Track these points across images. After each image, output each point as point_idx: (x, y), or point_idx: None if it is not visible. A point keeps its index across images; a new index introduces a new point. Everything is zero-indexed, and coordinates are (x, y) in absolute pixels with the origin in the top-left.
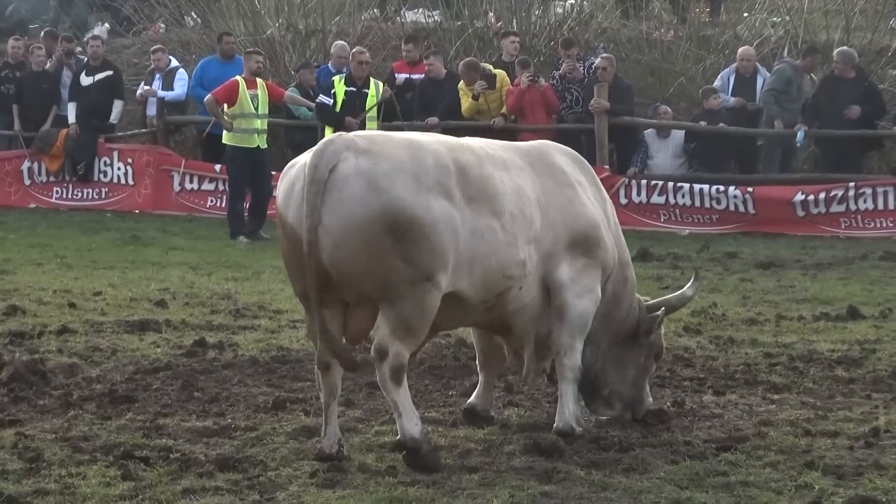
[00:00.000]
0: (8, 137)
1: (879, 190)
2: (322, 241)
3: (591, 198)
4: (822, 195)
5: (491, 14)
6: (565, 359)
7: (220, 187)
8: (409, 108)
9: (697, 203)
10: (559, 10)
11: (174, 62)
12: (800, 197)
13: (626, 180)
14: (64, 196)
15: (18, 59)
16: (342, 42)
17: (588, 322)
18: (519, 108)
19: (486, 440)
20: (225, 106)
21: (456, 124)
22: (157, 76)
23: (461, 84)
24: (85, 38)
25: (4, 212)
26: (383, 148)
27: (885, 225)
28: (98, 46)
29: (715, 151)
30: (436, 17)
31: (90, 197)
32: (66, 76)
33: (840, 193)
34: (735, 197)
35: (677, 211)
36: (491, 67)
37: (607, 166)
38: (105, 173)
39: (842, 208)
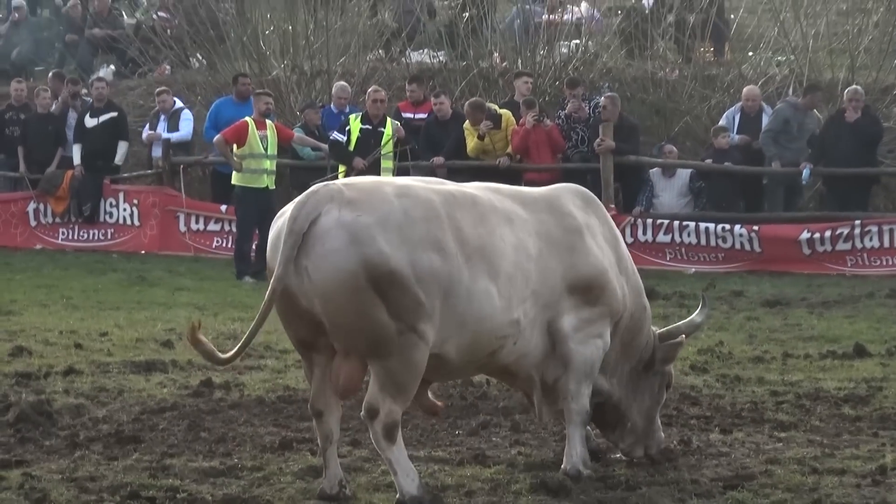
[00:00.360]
0: (13, 179)
1: (885, 228)
2: (311, 294)
3: (599, 242)
4: (827, 233)
5: (496, 54)
6: (572, 403)
7: (226, 228)
8: (412, 149)
9: (703, 241)
10: (564, 51)
11: (179, 103)
12: (805, 235)
13: (632, 219)
14: (70, 237)
15: (22, 101)
16: (342, 83)
17: (594, 367)
18: (524, 148)
19: (492, 479)
20: (234, 147)
21: (461, 164)
22: (163, 117)
23: (466, 124)
24: (90, 80)
25: (10, 253)
26: (370, 198)
27: (891, 263)
28: (102, 88)
29: (722, 190)
30: (441, 58)
31: (96, 238)
32: (72, 118)
33: (846, 231)
34: (741, 235)
35: (683, 249)
36: (496, 107)
37: (613, 205)
38: (111, 214)
39: (848, 246)
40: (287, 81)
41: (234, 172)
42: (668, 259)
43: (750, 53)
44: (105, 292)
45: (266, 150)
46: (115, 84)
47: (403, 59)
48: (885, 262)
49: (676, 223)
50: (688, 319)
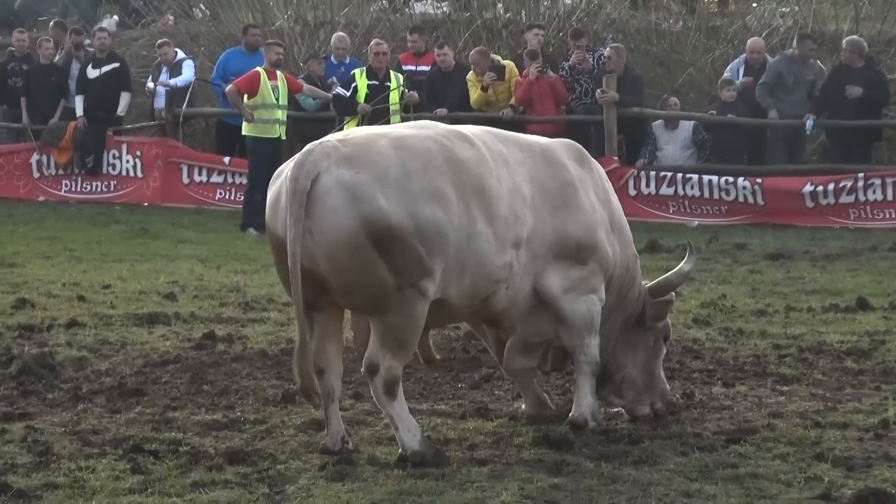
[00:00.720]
0: (16, 130)
1: (889, 181)
2: (314, 254)
3: (591, 199)
4: (831, 186)
5: (500, 5)
6: (581, 356)
7: (229, 180)
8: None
9: (706, 194)
10: (568, 2)
11: (181, 54)
12: (809, 188)
13: (635, 172)
14: (73, 189)
15: (24, 51)
16: (341, 33)
17: (594, 320)
18: (528, 99)
19: (495, 433)
20: (245, 97)
21: (465, 115)
22: (164, 69)
23: (470, 75)
24: (92, 31)
25: (14, 205)
26: (367, 153)
27: (894, 216)
28: (104, 38)
29: (725, 143)
30: (444, 9)
31: (99, 190)
32: (75, 69)
33: (849, 184)
34: (744, 188)
35: (686, 202)
36: (500, 59)
37: (616, 158)
38: (114, 166)
39: (851, 199)
40: (290, 32)
41: (244, 123)
42: (671, 212)
43: (754, 4)
44: (108, 244)
45: (277, 100)
46: (119, 35)
47: (407, 9)
48: (888, 215)
49: (680, 176)
50: (676, 269)
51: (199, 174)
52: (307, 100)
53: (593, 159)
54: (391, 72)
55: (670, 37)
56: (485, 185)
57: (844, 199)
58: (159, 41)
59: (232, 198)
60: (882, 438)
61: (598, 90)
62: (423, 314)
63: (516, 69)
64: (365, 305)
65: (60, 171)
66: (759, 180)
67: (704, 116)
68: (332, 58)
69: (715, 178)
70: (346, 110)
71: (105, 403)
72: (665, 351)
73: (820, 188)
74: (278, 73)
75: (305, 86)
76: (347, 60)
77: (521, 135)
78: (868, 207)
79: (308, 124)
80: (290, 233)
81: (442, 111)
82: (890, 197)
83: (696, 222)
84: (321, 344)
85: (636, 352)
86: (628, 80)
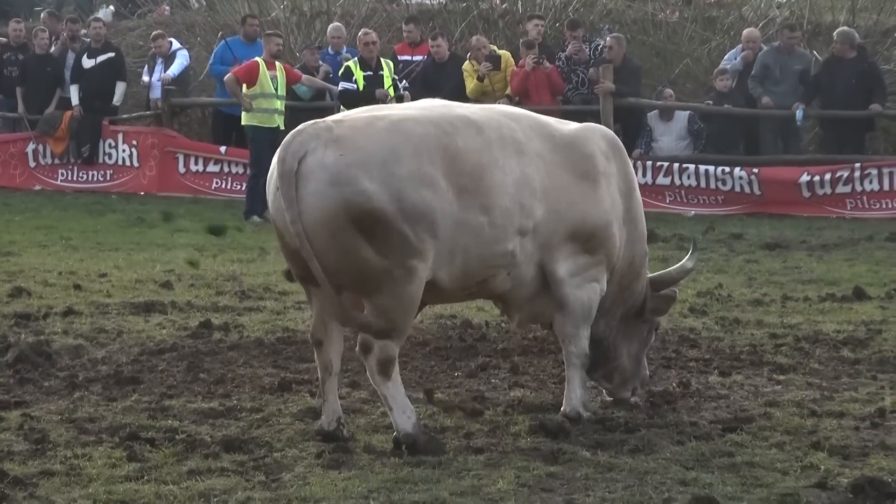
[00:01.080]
0: (12, 120)
1: (885, 171)
2: (296, 232)
3: (612, 192)
4: (827, 176)
5: None
6: (571, 346)
7: (226, 169)
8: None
9: (703, 184)
10: None
11: (175, 44)
12: (805, 178)
13: (632, 161)
14: (69, 178)
15: (21, 41)
16: (337, 23)
17: (591, 311)
18: (524, 89)
19: (491, 421)
20: (244, 87)
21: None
22: (159, 61)
23: (465, 65)
24: (88, 21)
25: (10, 194)
26: (358, 135)
27: (891, 206)
28: (100, 28)
29: (721, 133)
30: None
31: (95, 179)
32: (71, 58)
33: (846, 174)
34: (741, 178)
35: (683, 192)
36: (496, 49)
37: None
38: (110, 155)
39: (847, 189)
40: (286, 22)
41: (243, 113)
42: (667, 202)
43: None
44: (104, 233)
45: (276, 90)
46: (115, 25)
47: (403, 0)
48: (884, 205)
49: (676, 165)
50: (679, 265)
51: (196, 163)
52: (300, 87)
53: (624, 149)
54: (381, 60)
55: (667, 27)
56: (482, 175)
57: (841, 189)
58: (154, 33)
59: (228, 187)
60: (878, 427)
61: (592, 70)
62: (416, 294)
63: (512, 59)
64: (353, 286)
65: (57, 161)
66: (755, 170)
67: (700, 106)
68: (328, 48)
69: (711, 168)
70: (355, 104)
71: (101, 391)
72: (653, 340)
73: (817, 178)
74: (277, 63)
75: (304, 76)
76: (344, 50)
77: (549, 120)
78: (865, 197)
79: (304, 114)
80: (287, 215)
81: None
82: (886, 187)
83: (693, 212)
84: (321, 317)
85: (631, 342)
86: (626, 70)
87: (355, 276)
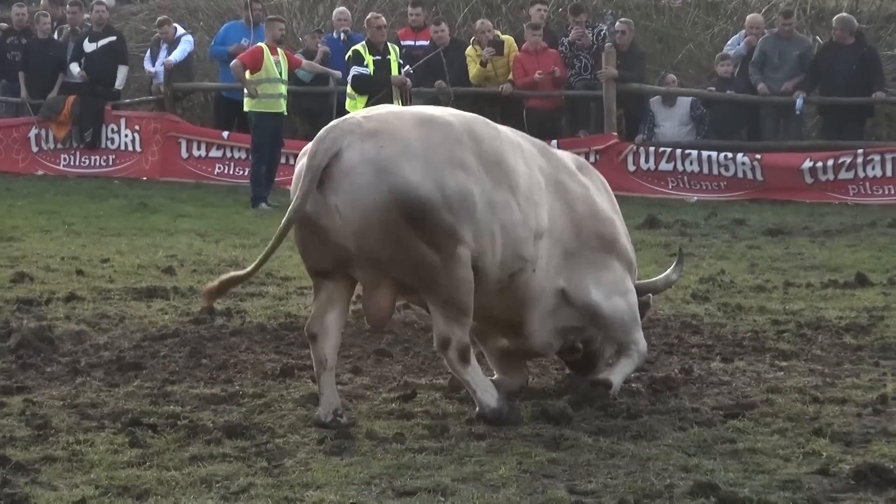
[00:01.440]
0: (15, 105)
1: (888, 157)
2: (345, 232)
3: (604, 203)
4: (830, 162)
5: None
6: (633, 352)
7: (228, 154)
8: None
9: (706, 170)
10: None
11: (180, 30)
12: (808, 164)
13: (634, 147)
14: (71, 163)
15: (24, 25)
16: (342, 7)
17: (636, 313)
18: (531, 83)
19: None
20: (248, 73)
21: (463, 90)
22: (164, 47)
23: (469, 50)
24: (90, 4)
25: (12, 179)
26: (390, 128)
27: (893, 192)
28: (102, 12)
29: (724, 118)
30: None
31: (98, 164)
32: (72, 42)
33: (848, 160)
34: (743, 164)
35: (685, 178)
36: (500, 33)
37: (615, 133)
38: (112, 140)
39: (850, 175)
40: (290, 7)
41: (246, 99)
42: (670, 187)
43: None
44: (106, 219)
45: (280, 74)
46: (117, 9)
47: None
48: (887, 192)
49: (679, 151)
50: (664, 275)
51: (199, 149)
52: (300, 70)
53: (595, 170)
54: (389, 45)
55: (669, 12)
56: (505, 158)
57: (844, 175)
58: (160, 19)
59: (231, 172)
60: (880, 414)
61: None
62: (470, 277)
63: (515, 44)
64: (411, 278)
65: (59, 146)
66: (758, 156)
67: (702, 92)
68: (333, 33)
69: (714, 154)
70: (368, 88)
71: (103, 377)
72: None
73: (819, 164)
74: (279, 48)
75: (304, 61)
76: (341, 33)
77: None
78: (867, 183)
79: (307, 98)
80: (296, 202)
81: (441, 83)
82: (889, 173)
83: (695, 198)
84: (321, 310)
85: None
86: (632, 55)
87: (411, 268)
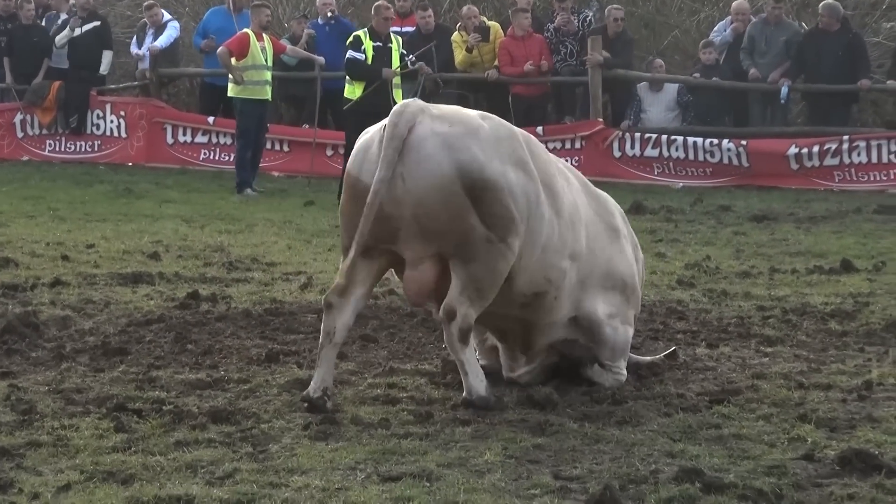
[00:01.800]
0: (0, 90)
1: (873, 143)
2: (404, 200)
3: (629, 250)
4: (815, 148)
5: None
6: (613, 376)
7: (214, 140)
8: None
9: (691, 156)
10: None
11: (167, 16)
12: (793, 150)
13: (620, 133)
14: (57, 149)
15: (10, 11)
16: None
17: (627, 349)
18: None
19: None
20: (234, 60)
21: (449, 76)
22: (150, 32)
23: (455, 36)
24: None
25: None
26: (459, 114)
27: (878, 178)
28: None
29: (709, 105)
30: None
31: (83, 150)
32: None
33: (834, 147)
34: (729, 150)
35: (671, 164)
36: (486, 19)
37: (601, 119)
38: (98, 126)
39: (836, 161)
40: None
41: (231, 85)
42: (655, 173)
43: None
44: (92, 204)
45: (266, 61)
46: None
47: None
48: (872, 178)
49: (664, 137)
50: (650, 359)
51: (184, 134)
52: (284, 55)
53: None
54: (392, 34)
55: None
56: (553, 180)
57: (829, 161)
58: (147, 3)
59: (217, 158)
60: (865, 400)
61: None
62: (506, 270)
63: (501, 31)
64: (452, 251)
65: (44, 131)
66: (743, 142)
67: (688, 79)
68: (318, 18)
69: (700, 140)
70: (361, 74)
71: (89, 362)
72: None
73: (805, 150)
74: (264, 35)
75: (289, 47)
76: (333, 20)
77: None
78: (853, 170)
79: (292, 84)
80: (379, 173)
81: (426, 69)
82: (874, 159)
83: (681, 184)
84: (346, 285)
85: None
86: (620, 42)
87: (458, 242)
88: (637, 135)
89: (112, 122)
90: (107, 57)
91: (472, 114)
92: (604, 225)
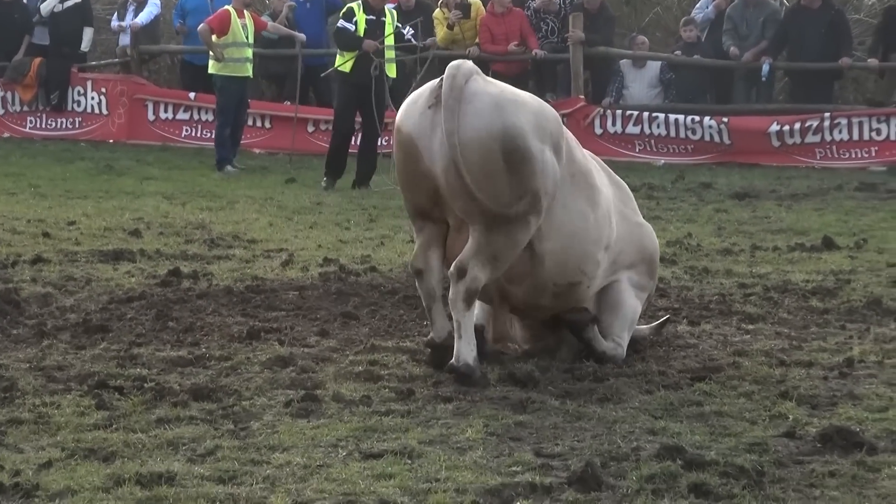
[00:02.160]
0: None
1: (854, 120)
2: (442, 152)
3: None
4: (797, 126)
5: None
6: (618, 350)
7: (195, 116)
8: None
9: (673, 133)
10: None
11: None
12: (775, 127)
13: (602, 110)
14: (38, 126)
15: None
16: None
17: (635, 320)
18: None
19: None
20: (214, 37)
21: (431, 54)
22: (131, 9)
23: (436, 13)
24: None
25: None
26: (507, 85)
27: (859, 155)
28: None
29: (691, 82)
30: None
31: (64, 127)
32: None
33: (815, 124)
34: (710, 127)
35: (652, 141)
36: None
37: (582, 96)
38: (79, 103)
39: (817, 139)
40: None
41: (212, 62)
42: (637, 150)
43: None
44: (73, 181)
45: (247, 38)
46: None
47: None
48: (854, 155)
49: (646, 114)
50: (649, 326)
51: (165, 111)
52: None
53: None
54: (386, 8)
55: None
56: (590, 172)
57: (810, 138)
58: None
59: (198, 135)
60: (846, 377)
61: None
62: (524, 244)
63: (483, 7)
64: (476, 213)
65: (25, 108)
66: (725, 119)
67: (670, 57)
68: None
69: (681, 118)
70: (349, 44)
71: (70, 339)
72: None
73: (786, 127)
74: (245, 11)
75: (270, 23)
76: None
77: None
78: (834, 147)
79: (273, 62)
80: (446, 125)
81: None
82: (856, 136)
83: (662, 161)
84: (423, 249)
85: None
86: (601, 18)
87: (486, 203)
88: (618, 112)
89: (93, 98)
90: (88, 34)
91: (522, 92)
92: (629, 210)
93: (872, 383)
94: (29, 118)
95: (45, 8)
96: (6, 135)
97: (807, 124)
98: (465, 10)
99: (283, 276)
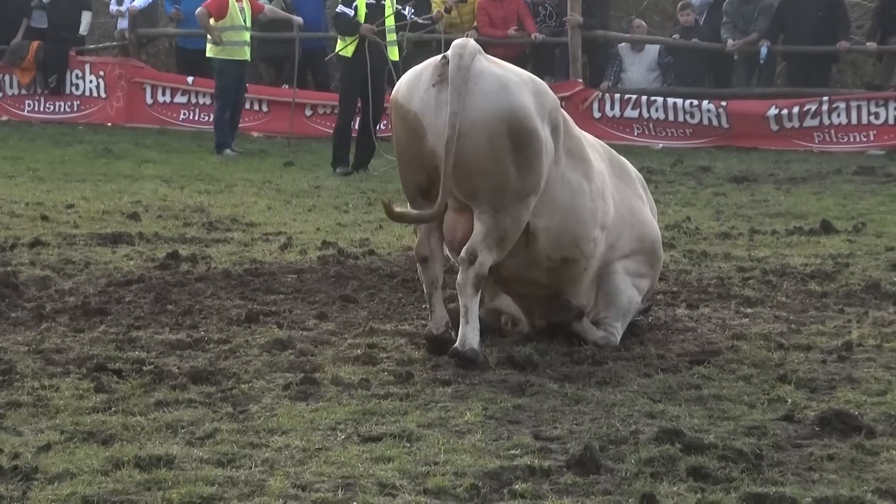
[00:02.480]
0: None
1: (853, 104)
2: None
3: (649, 215)
4: (795, 109)
5: None
6: (612, 338)
7: (193, 100)
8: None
9: (671, 117)
10: None
11: None
12: (773, 111)
13: (600, 94)
14: (36, 109)
15: None
16: None
17: (631, 310)
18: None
19: None
20: (212, 20)
21: (429, 37)
22: None
23: None
24: None
25: None
26: (509, 65)
27: (858, 139)
28: None
29: (689, 66)
30: None
31: (62, 110)
32: None
33: (814, 108)
34: (709, 111)
35: (651, 125)
36: None
37: (580, 80)
38: (77, 86)
39: (815, 123)
40: None
41: (210, 46)
42: (635, 134)
43: None
44: (71, 164)
45: (244, 21)
46: None
47: None
48: (852, 139)
49: (644, 98)
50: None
51: (163, 94)
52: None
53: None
54: None
55: None
56: (583, 147)
57: (809, 122)
58: None
59: (196, 118)
60: (845, 360)
61: None
62: (526, 220)
63: None
64: (484, 194)
65: (23, 91)
66: (723, 103)
67: (668, 40)
68: None
69: (679, 101)
70: (347, 30)
71: (68, 322)
72: None
73: (784, 111)
74: None
75: (267, 7)
76: None
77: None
78: (832, 131)
79: (271, 45)
80: (451, 106)
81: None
82: (854, 120)
83: (661, 145)
84: (426, 234)
85: None
86: (598, 1)
87: (492, 187)
88: (617, 96)
89: (91, 82)
90: (86, 17)
91: (524, 73)
92: (629, 191)
93: (871, 367)
94: (27, 101)
95: None
96: (4, 118)
97: (805, 108)
98: None
99: (281, 259)
